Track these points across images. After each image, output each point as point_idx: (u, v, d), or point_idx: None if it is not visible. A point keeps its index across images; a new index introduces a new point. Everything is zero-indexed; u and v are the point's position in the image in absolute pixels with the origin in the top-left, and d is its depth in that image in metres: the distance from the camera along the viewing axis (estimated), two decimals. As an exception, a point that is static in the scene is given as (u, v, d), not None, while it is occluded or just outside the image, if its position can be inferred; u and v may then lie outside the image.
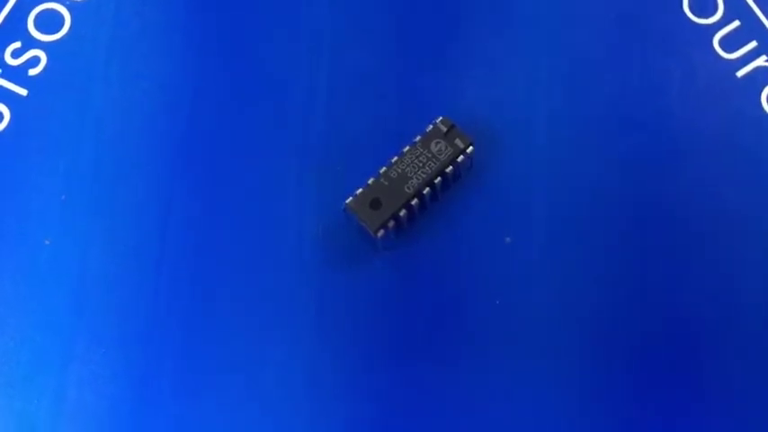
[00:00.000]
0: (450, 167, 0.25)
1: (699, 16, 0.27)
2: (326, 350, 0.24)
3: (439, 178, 0.24)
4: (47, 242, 0.25)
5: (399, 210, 0.24)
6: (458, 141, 0.25)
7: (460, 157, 0.25)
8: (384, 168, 0.24)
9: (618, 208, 0.25)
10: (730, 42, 0.27)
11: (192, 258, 0.25)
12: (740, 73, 0.26)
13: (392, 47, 0.26)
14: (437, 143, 0.25)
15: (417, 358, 0.24)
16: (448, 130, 0.25)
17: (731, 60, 0.27)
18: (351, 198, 0.24)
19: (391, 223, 0.24)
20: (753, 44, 0.26)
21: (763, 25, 0.27)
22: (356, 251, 0.25)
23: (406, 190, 0.24)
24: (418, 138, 0.25)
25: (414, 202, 0.24)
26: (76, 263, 0.24)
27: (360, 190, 0.24)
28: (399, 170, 0.24)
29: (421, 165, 0.24)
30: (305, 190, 0.25)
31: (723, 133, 0.26)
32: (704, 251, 0.25)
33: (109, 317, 0.24)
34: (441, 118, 0.25)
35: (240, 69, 0.26)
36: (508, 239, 0.25)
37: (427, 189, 0.24)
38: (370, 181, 0.24)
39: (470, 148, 0.25)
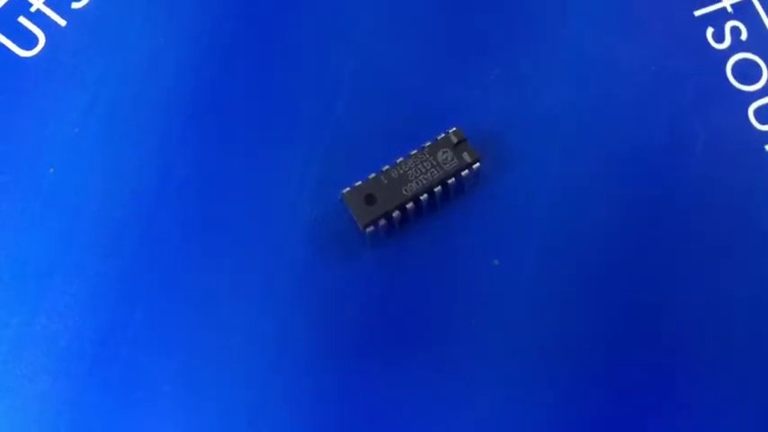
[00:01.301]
0: (453, 179, 0.24)
1: (740, 82, 0.26)
2: (296, 328, 0.24)
3: (439, 187, 0.24)
4: (51, 170, 0.25)
5: (393, 210, 0.24)
6: (465, 155, 0.25)
7: (465, 172, 0.25)
8: (387, 167, 0.24)
9: (614, 252, 0.25)
10: (765, 114, 0.26)
11: (185, 215, 0.25)
12: (768, 147, 0.26)
13: (422, 51, 0.26)
14: (444, 152, 0.25)
15: (383, 359, 0.24)
16: (458, 143, 0.25)
17: (762, 132, 0.26)
18: (348, 189, 0.24)
19: (382, 221, 0.24)
20: (788, 122, 0.26)
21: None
22: (345, 241, 0.25)
23: (404, 192, 0.24)
24: (428, 144, 0.25)
25: (409, 205, 0.24)
26: (74, 196, 0.25)
27: (358, 183, 0.24)
28: (401, 171, 0.24)
29: (424, 170, 0.24)
30: (309, 173, 0.25)
31: (739, 201, 0.25)
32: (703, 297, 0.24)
33: (93, 254, 0.25)
34: (454, 129, 0.25)
35: (273, 41, 0.26)
36: (496, 262, 0.25)
37: (425, 195, 0.24)
38: (370, 176, 0.24)
39: (477, 164, 0.25)
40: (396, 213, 0.24)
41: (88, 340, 0.24)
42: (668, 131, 0.26)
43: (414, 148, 0.25)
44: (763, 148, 0.26)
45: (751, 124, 0.26)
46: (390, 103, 0.26)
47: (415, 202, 0.24)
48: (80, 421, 0.23)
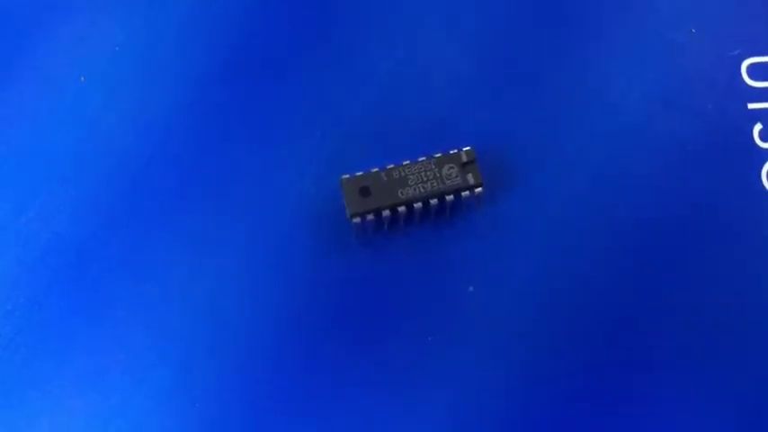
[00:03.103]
0: (452, 196, 0.24)
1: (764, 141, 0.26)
2: (269, 303, 0.24)
3: (435, 200, 0.24)
4: (82, 79, 0.26)
5: (383, 208, 0.24)
6: (470, 176, 0.24)
7: (465, 193, 0.24)
8: (392, 165, 0.24)
9: (599, 298, 0.25)
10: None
11: (183, 171, 0.25)
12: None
13: (459, 66, 0.26)
14: (450, 168, 0.24)
15: (342, 351, 0.24)
16: (467, 162, 0.24)
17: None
18: (347, 175, 0.24)
19: (370, 216, 0.24)
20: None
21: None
22: (335, 226, 0.25)
23: (399, 194, 0.24)
24: (438, 155, 0.25)
25: (401, 209, 0.24)
26: (94, 108, 0.26)
27: (359, 173, 0.24)
28: (403, 174, 0.24)
29: (425, 179, 0.24)
30: (320, 155, 0.26)
31: (740, 260, 0.25)
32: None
33: (96, 168, 0.25)
34: (467, 148, 0.25)
35: (313, 21, 0.27)
36: (471, 288, 0.25)
37: (419, 204, 0.24)
38: (372, 170, 0.24)
39: (479, 189, 0.24)
40: (386, 213, 0.24)
41: (68, 248, 0.25)
42: (684, 182, 0.25)
43: (424, 156, 0.25)
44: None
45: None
46: (415, 107, 0.26)
47: (408, 208, 0.24)
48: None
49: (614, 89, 0.26)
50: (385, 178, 0.24)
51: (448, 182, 0.24)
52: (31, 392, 0.24)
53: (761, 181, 0.26)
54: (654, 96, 0.26)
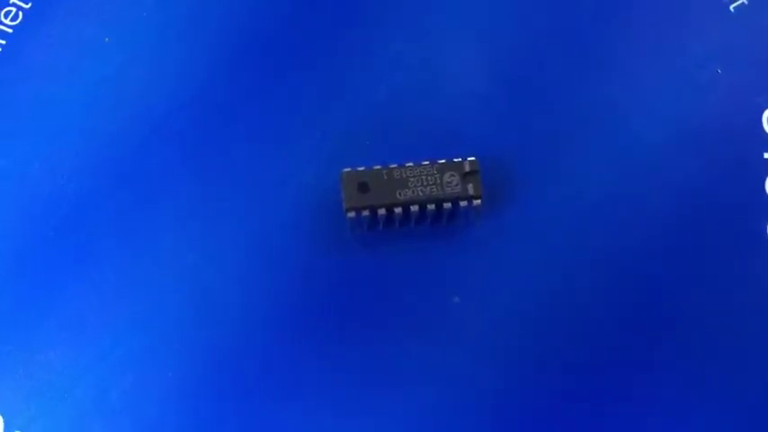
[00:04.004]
0: (449, 205, 0.24)
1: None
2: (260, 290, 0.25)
3: (432, 206, 0.24)
4: (107, 40, 0.26)
5: (379, 206, 0.24)
6: (470, 187, 0.24)
7: (463, 203, 0.24)
8: (394, 165, 0.25)
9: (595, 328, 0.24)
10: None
11: (190, 145, 0.26)
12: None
13: (481, 74, 0.26)
14: (452, 176, 0.24)
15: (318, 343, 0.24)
16: (470, 172, 0.24)
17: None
18: (349, 169, 0.24)
19: (366, 213, 0.24)
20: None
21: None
22: (334, 218, 0.25)
23: (397, 195, 0.24)
24: (441, 161, 0.25)
25: (398, 210, 0.24)
26: (114, 67, 0.26)
27: (361, 168, 0.24)
28: (403, 175, 0.24)
29: (425, 184, 0.24)
30: (327, 147, 0.26)
31: (741, 307, 0.25)
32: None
33: (107, 126, 0.26)
34: (472, 158, 0.24)
35: (336, 17, 0.27)
36: (456, 299, 0.25)
37: (416, 207, 0.24)
38: (374, 167, 0.24)
39: (477, 201, 0.24)
40: (382, 211, 0.24)
41: (68, 201, 0.25)
42: (695, 217, 0.25)
43: (428, 160, 0.25)
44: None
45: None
46: (426, 111, 0.26)
47: (404, 209, 0.24)
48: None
49: (631, 120, 0.26)
50: (385, 177, 0.24)
51: (447, 189, 0.24)
52: (12, 338, 0.24)
53: (767, 231, 0.25)
54: (670, 132, 0.26)
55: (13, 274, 0.25)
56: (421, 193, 0.24)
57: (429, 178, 0.24)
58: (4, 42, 0.27)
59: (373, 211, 0.24)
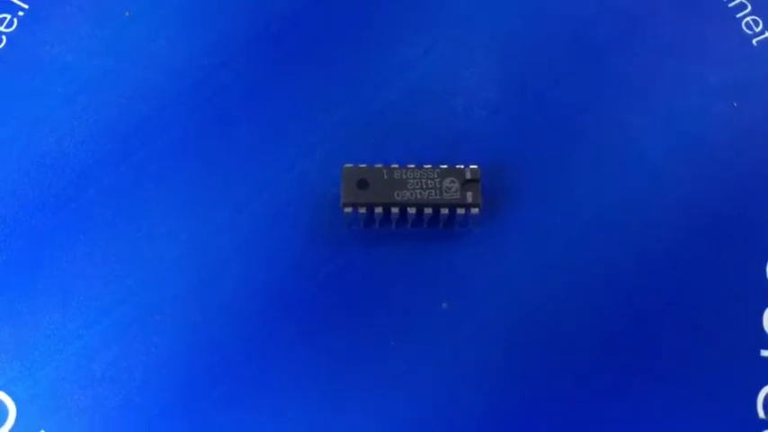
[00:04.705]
0: (446, 211, 0.24)
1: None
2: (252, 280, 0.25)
3: (430, 210, 0.24)
4: (127, 14, 0.27)
5: (377, 205, 0.24)
6: (469, 195, 0.24)
7: (460, 210, 0.24)
8: (396, 165, 0.25)
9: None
10: None
11: (198, 124, 0.26)
12: None
13: (496, 87, 0.26)
14: (452, 182, 0.24)
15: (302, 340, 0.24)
16: (470, 180, 0.24)
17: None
18: (350, 164, 0.25)
19: (362, 210, 0.24)
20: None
21: None
22: (332, 212, 0.25)
23: (395, 195, 0.24)
24: (443, 166, 0.25)
25: (395, 210, 0.24)
26: (132, 45, 0.26)
27: (362, 165, 0.25)
28: (404, 176, 0.24)
29: (424, 187, 0.24)
30: (332, 141, 0.26)
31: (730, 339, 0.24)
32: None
33: (113, 112, 0.26)
34: (474, 166, 0.24)
35: (357, 15, 0.27)
36: (445, 305, 0.25)
37: (414, 210, 0.24)
38: (376, 165, 0.25)
39: (475, 209, 0.24)
40: (378, 210, 0.24)
41: (72, 168, 0.25)
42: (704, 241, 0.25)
43: (430, 163, 0.25)
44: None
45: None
46: (435, 115, 0.26)
47: (402, 210, 0.24)
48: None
49: (639, 143, 0.26)
50: (385, 176, 0.24)
51: (446, 195, 0.24)
52: (3, 295, 0.24)
53: (766, 273, 0.25)
54: (677, 157, 0.26)
55: (11, 233, 0.25)
56: (419, 196, 0.24)
57: (429, 182, 0.24)
58: (26, 7, 0.27)
59: (370, 208, 0.24)
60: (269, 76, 0.26)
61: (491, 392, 0.24)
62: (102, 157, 0.26)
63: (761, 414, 0.24)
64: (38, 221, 0.25)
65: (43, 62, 0.26)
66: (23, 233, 0.25)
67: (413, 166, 0.25)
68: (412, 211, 0.24)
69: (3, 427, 0.23)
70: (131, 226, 0.25)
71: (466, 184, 0.24)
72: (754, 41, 0.27)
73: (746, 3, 0.27)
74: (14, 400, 0.24)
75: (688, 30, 0.27)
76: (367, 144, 0.26)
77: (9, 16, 0.27)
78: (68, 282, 0.24)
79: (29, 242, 0.25)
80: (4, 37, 0.27)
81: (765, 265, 0.25)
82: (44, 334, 0.24)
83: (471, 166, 0.24)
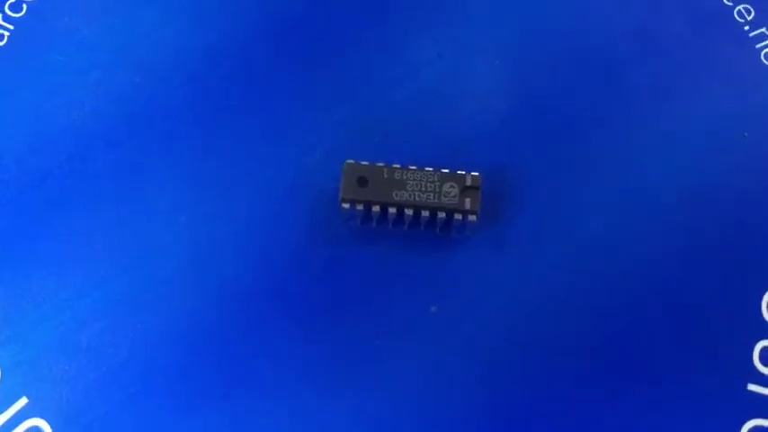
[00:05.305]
0: (444, 215, 0.24)
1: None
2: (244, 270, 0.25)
3: (427, 213, 0.24)
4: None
5: (374, 203, 0.24)
6: (468, 201, 0.24)
7: (458, 216, 0.24)
8: (397, 165, 0.25)
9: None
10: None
11: (207, 109, 0.26)
12: None
13: (507, 97, 0.26)
14: (452, 187, 0.24)
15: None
16: (470, 187, 0.24)
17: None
18: (352, 161, 0.25)
19: (360, 207, 0.24)
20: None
21: None
22: (331, 207, 0.25)
23: (394, 195, 0.24)
24: (445, 170, 0.25)
25: (392, 210, 0.24)
26: (147, 27, 0.27)
27: (364, 162, 0.25)
28: (404, 177, 0.24)
29: (423, 190, 0.24)
30: (337, 137, 0.26)
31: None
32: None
33: (124, 89, 0.26)
34: (476, 174, 0.24)
35: (374, 15, 0.27)
36: (434, 309, 0.25)
37: (411, 211, 0.24)
38: (377, 163, 0.25)
39: (473, 216, 0.24)
40: (376, 208, 0.24)
41: (78, 137, 0.26)
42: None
43: (433, 166, 0.25)
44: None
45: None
46: (444, 119, 0.26)
47: (398, 211, 0.24)
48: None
49: (645, 164, 0.26)
50: (386, 175, 0.24)
51: (444, 199, 0.24)
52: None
53: (760, 307, 0.25)
54: (681, 180, 0.26)
55: (13, 199, 0.25)
56: (417, 198, 0.24)
57: (428, 185, 0.24)
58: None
59: (368, 206, 0.24)
60: (279, 68, 0.26)
61: (473, 401, 0.24)
62: (108, 133, 0.26)
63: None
64: (41, 190, 0.25)
65: (60, 35, 0.27)
66: (25, 200, 0.25)
67: (414, 167, 0.25)
68: (409, 212, 0.24)
69: (-15, 392, 0.24)
70: (132, 203, 0.25)
71: (466, 190, 0.24)
72: (772, 74, 0.27)
73: (768, 34, 0.27)
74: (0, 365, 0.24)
75: (706, 54, 0.27)
76: (371, 142, 0.26)
77: (32, -14, 0.27)
78: (65, 252, 0.25)
79: (30, 209, 0.25)
80: (24, 5, 0.27)
81: (761, 299, 0.25)
82: (35, 301, 0.24)
83: (473, 173, 0.24)
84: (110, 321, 0.24)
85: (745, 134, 0.26)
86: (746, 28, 0.27)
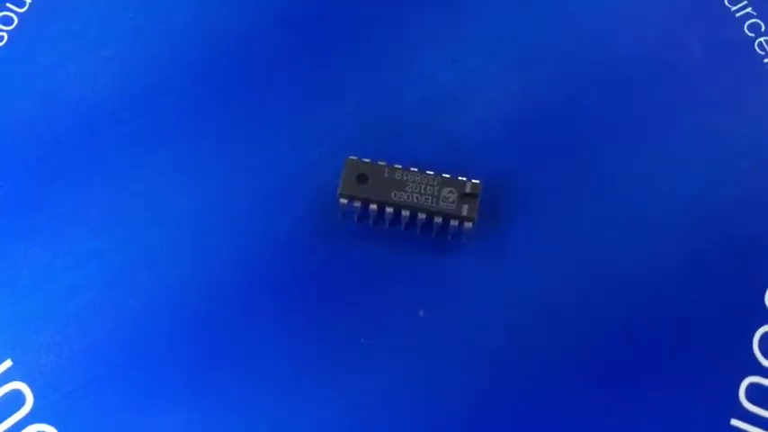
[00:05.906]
0: (440, 220, 0.24)
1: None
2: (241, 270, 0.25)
3: (424, 216, 0.24)
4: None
5: (372, 201, 0.24)
6: (465, 208, 0.24)
7: (454, 221, 0.24)
8: (399, 166, 0.25)
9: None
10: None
11: (215, 100, 0.26)
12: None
13: (516, 107, 0.26)
14: (451, 192, 0.24)
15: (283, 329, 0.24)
16: (469, 194, 0.24)
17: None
18: (354, 157, 0.25)
19: (358, 203, 0.24)
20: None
21: None
22: (330, 202, 0.25)
23: (392, 195, 0.24)
24: (446, 175, 0.24)
25: (389, 210, 0.24)
26: (160, 13, 0.27)
27: (366, 160, 0.25)
28: (404, 178, 0.24)
29: (422, 192, 0.24)
30: (341, 133, 0.26)
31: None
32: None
33: (137, 72, 0.27)
34: (476, 181, 0.24)
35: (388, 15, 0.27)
36: (422, 313, 0.25)
37: (408, 213, 0.24)
38: (379, 162, 0.25)
39: (469, 224, 0.24)
40: (373, 207, 0.24)
41: (84, 117, 0.26)
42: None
43: (436, 169, 0.25)
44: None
45: None
46: (451, 124, 0.26)
47: (396, 212, 0.24)
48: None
49: (650, 188, 0.25)
50: (386, 175, 0.24)
51: (442, 204, 0.24)
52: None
53: (752, 346, 0.24)
54: (686, 206, 0.25)
55: (17, 165, 0.25)
56: (415, 200, 0.24)
57: (428, 188, 0.24)
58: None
59: (365, 204, 0.24)
60: (292, 60, 0.27)
61: (456, 402, 0.24)
62: (118, 108, 0.26)
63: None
64: (46, 157, 0.26)
65: (80, 7, 0.27)
66: (30, 167, 0.25)
67: (415, 169, 0.25)
68: (406, 213, 0.24)
69: (-29, 352, 0.24)
70: (134, 179, 0.25)
71: (465, 197, 0.24)
72: (787, 109, 0.26)
73: (787, 69, 0.27)
74: (-12, 327, 0.24)
75: (720, 84, 0.26)
76: (376, 140, 0.26)
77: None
78: (64, 221, 0.25)
79: (34, 177, 0.25)
80: (48, -25, 0.28)
81: (753, 335, 0.24)
82: (30, 267, 0.25)
83: (473, 181, 0.24)
84: (100, 293, 0.24)
85: (755, 168, 0.26)
86: (766, 60, 0.27)
